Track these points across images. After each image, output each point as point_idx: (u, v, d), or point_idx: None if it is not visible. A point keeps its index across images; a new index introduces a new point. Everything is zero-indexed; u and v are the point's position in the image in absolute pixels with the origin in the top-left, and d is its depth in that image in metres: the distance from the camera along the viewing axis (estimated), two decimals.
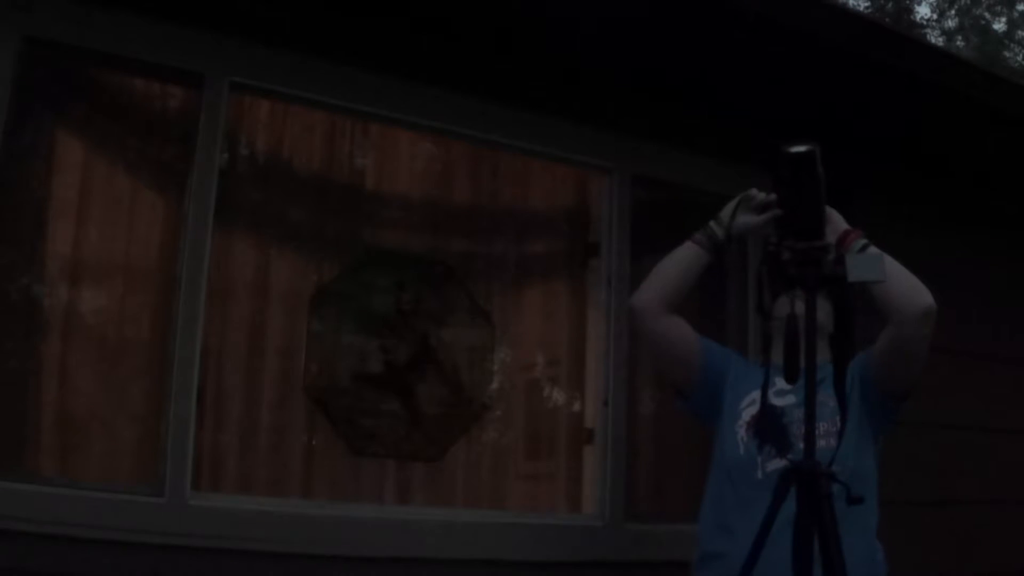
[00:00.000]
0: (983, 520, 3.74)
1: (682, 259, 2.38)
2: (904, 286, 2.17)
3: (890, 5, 17.39)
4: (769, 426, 2.22)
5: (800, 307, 1.86)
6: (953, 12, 18.70)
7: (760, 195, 2.23)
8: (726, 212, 2.33)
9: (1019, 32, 18.64)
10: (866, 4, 16.50)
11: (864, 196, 3.43)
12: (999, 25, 18.58)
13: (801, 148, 1.90)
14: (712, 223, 2.35)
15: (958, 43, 17.87)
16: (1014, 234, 4.15)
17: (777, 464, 2.13)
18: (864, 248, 2.12)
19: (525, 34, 3.01)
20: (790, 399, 2.17)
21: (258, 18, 2.77)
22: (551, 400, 3.64)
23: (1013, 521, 3.85)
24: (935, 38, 17.72)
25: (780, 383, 2.05)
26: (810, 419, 1.83)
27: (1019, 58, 18.15)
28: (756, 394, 2.18)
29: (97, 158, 2.82)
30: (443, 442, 3.24)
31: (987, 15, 18.47)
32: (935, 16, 18.81)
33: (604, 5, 2.89)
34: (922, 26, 18.13)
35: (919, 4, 19.10)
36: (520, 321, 3.58)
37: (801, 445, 1.86)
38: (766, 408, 2.11)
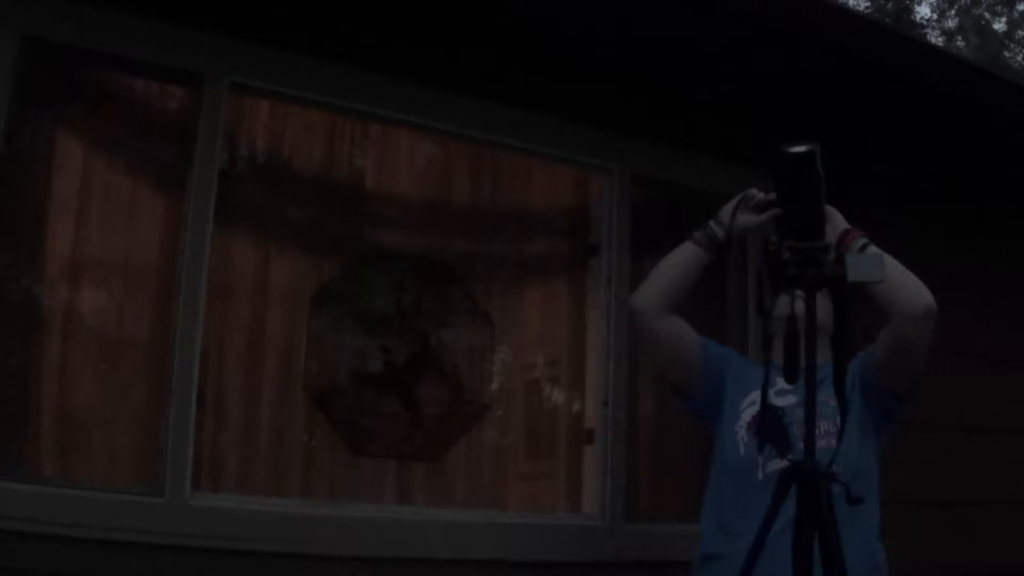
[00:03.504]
0: (983, 520, 3.74)
1: (682, 259, 2.37)
2: (905, 285, 2.17)
3: (890, 5, 17.39)
4: (769, 426, 2.22)
5: (800, 307, 1.86)
6: (953, 12, 18.70)
7: (760, 195, 2.23)
8: (726, 212, 2.32)
9: (1019, 32, 18.64)
10: (866, 4, 16.51)
11: (864, 196, 3.43)
12: (999, 25, 18.59)
13: (801, 148, 1.90)
14: (712, 223, 2.35)
15: (958, 43, 17.87)
16: (1014, 234, 4.15)
17: (778, 464, 2.13)
18: (864, 247, 2.12)
19: (525, 34, 3.00)
20: (791, 399, 2.17)
21: (258, 18, 2.77)
22: (551, 400, 3.63)
23: (1013, 521, 3.85)
24: (935, 38, 17.73)
25: (781, 383, 2.05)
26: (810, 419, 1.82)
27: (1019, 58, 18.16)
28: (756, 394, 2.18)
29: (97, 158, 2.82)
30: (443, 442, 3.24)
31: (987, 15, 18.47)
32: (935, 16, 18.83)
33: (604, 5, 2.89)
34: (922, 26, 18.14)
35: (919, 4, 19.12)
36: (520, 321, 3.58)
37: (802, 445, 1.86)
38: (766, 408, 2.11)
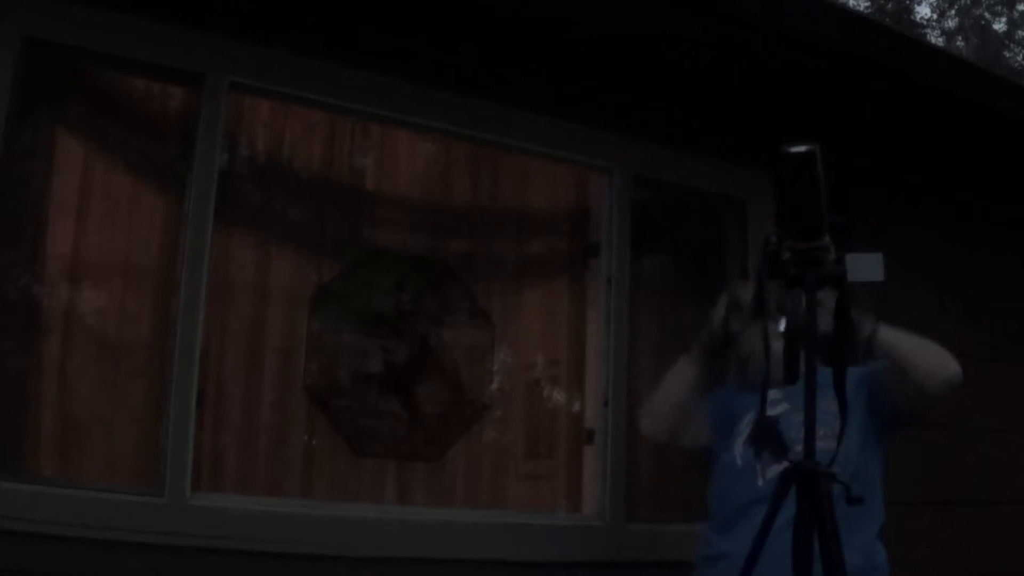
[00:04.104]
0: (983, 520, 3.74)
1: (682, 378, 2.41)
2: (927, 359, 2.20)
3: (890, 5, 17.39)
4: (765, 434, 2.25)
5: (799, 309, 1.87)
6: (953, 12, 18.70)
7: (745, 294, 2.25)
8: (716, 320, 2.35)
9: (1019, 32, 18.64)
10: (866, 4, 16.51)
11: (864, 196, 3.44)
12: (999, 25, 18.59)
13: (801, 148, 1.90)
14: (705, 333, 2.37)
15: (958, 43, 17.87)
16: (1015, 234, 4.15)
17: (777, 469, 2.15)
18: (872, 334, 2.15)
19: (525, 34, 3.01)
20: (783, 407, 2.19)
21: (258, 18, 2.77)
22: (551, 400, 3.63)
23: (1013, 521, 3.85)
24: (935, 38, 17.72)
25: (772, 393, 2.08)
26: (810, 418, 1.83)
27: (1019, 58, 18.16)
28: (751, 416, 2.25)
29: (97, 158, 2.82)
30: (443, 442, 3.24)
31: (987, 15, 18.47)
32: (935, 16, 18.82)
33: (605, 5, 2.89)
34: (922, 26, 18.13)
35: (919, 4, 19.09)
36: (520, 321, 3.58)
37: (799, 447, 1.87)
38: (762, 418, 2.15)
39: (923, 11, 19.69)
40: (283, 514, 2.70)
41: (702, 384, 2.39)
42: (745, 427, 2.34)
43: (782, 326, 2.01)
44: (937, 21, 18.79)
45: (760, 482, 2.22)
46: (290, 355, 3.06)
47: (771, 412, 2.22)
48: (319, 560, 2.64)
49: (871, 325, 2.18)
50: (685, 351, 2.44)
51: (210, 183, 2.66)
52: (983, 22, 18.37)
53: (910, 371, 2.19)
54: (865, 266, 1.87)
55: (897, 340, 2.21)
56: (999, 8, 18.25)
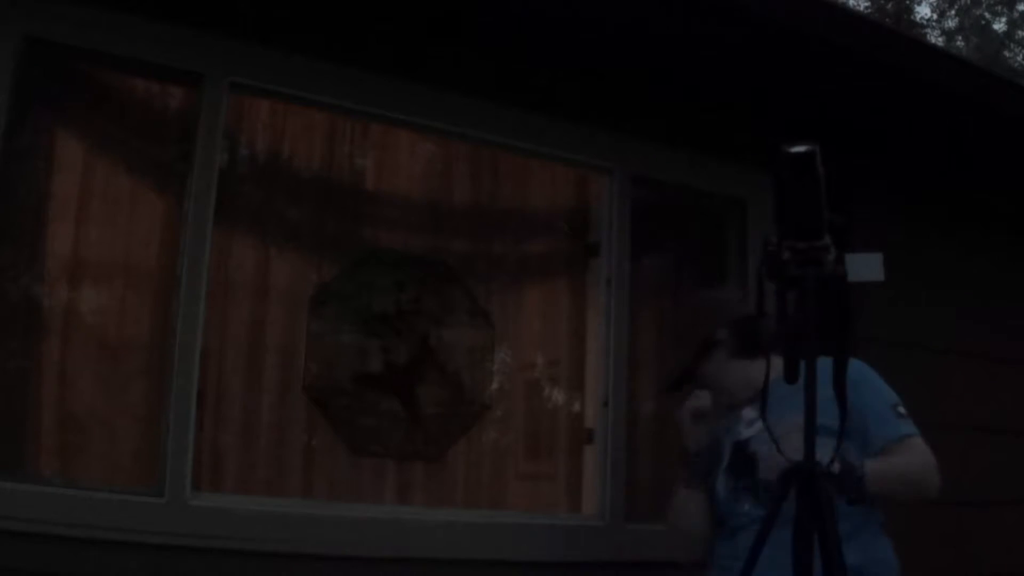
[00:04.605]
0: (984, 520, 3.74)
1: (691, 510, 2.41)
2: (909, 495, 2.29)
3: (890, 5, 17.39)
4: (740, 460, 2.28)
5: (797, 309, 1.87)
6: (953, 12, 18.70)
7: (703, 400, 2.34)
8: (690, 442, 2.38)
9: (1019, 32, 18.64)
10: (866, 4, 16.51)
11: (865, 196, 3.44)
12: (999, 25, 18.58)
13: (801, 148, 1.90)
14: (687, 459, 2.40)
15: (958, 43, 17.87)
16: (1014, 234, 4.15)
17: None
18: (861, 479, 2.16)
19: (525, 34, 3.01)
20: (758, 426, 2.20)
21: (258, 18, 2.77)
22: (551, 400, 3.64)
23: (1013, 521, 3.85)
24: (935, 38, 17.72)
25: (747, 414, 2.10)
26: (810, 418, 1.82)
27: (1019, 58, 18.16)
28: (728, 440, 2.34)
29: (97, 158, 2.82)
30: (443, 442, 3.24)
31: (987, 15, 18.47)
32: (935, 16, 18.82)
33: (605, 6, 2.90)
34: (922, 26, 18.13)
35: (919, 4, 19.10)
36: (520, 321, 3.58)
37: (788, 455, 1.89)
38: (736, 446, 2.25)
39: (923, 11, 19.72)
40: (283, 514, 2.70)
41: (705, 502, 2.40)
42: (725, 454, 2.37)
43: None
44: (937, 21, 18.79)
45: (746, 506, 2.27)
46: (290, 355, 3.06)
47: (747, 433, 2.31)
48: (319, 560, 2.64)
49: (860, 470, 2.16)
50: (677, 477, 2.45)
51: (210, 183, 2.66)
52: (983, 22, 18.37)
53: (899, 496, 2.27)
54: (865, 266, 1.87)
55: (884, 487, 2.23)
56: (999, 8, 18.25)
